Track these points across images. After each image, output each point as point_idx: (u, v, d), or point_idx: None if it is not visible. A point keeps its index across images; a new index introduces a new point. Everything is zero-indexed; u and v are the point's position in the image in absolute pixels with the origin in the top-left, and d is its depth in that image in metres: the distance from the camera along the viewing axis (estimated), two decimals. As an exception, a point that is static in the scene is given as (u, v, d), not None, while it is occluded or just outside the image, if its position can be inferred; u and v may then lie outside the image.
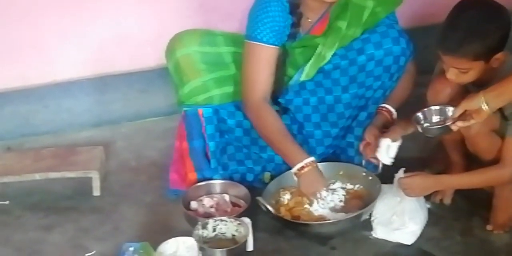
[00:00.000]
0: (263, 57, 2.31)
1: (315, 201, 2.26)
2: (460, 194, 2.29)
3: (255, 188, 2.36)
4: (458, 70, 2.03)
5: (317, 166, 2.27)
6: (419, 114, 2.14)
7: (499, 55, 2.01)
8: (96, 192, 2.46)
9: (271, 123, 2.33)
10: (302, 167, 2.24)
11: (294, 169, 2.25)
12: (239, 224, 2.13)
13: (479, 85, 2.11)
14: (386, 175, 2.26)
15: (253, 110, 2.35)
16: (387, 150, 2.22)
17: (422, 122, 2.13)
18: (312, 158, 2.26)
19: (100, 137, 2.82)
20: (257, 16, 2.30)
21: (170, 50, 2.47)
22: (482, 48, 1.98)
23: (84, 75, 2.84)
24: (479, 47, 1.97)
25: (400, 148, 2.26)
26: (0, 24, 2.68)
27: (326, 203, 2.27)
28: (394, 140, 2.22)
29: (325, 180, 2.29)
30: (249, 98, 2.35)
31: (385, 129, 2.33)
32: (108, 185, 2.51)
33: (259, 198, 2.23)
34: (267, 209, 2.20)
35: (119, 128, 2.89)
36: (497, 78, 2.05)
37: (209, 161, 2.42)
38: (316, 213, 2.25)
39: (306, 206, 2.27)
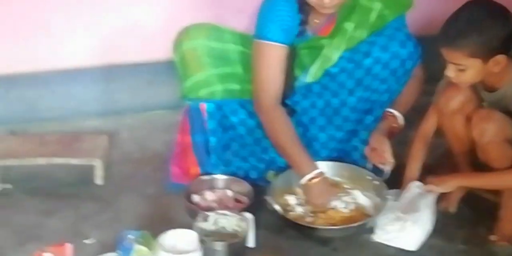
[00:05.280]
0: (274, 56, 2.29)
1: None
2: (465, 202, 2.29)
3: (259, 186, 2.35)
4: (456, 67, 2.02)
5: (326, 178, 2.26)
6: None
7: (499, 58, 1.98)
8: (98, 180, 2.44)
9: (284, 127, 2.30)
10: (312, 179, 2.23)
11: (304, 180, 2.23)
12: (240, 219, 2.11)
13: (490, 90, 2.11)
14: (391, 180, 2.27)
15: (265, 112, 2.31)
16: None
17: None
18: (321, 170, 2.25)
19: (105, 126, 2.80)
20: (266, 15, 2.29)
21: (177, 42, 2.45)
22: (479, 43, 1.95)
23: (92, 63, 2.82)
24: (476, 41, 1.95)
25: (406, 155, 2.29)
26: (12, 10, 2.67)
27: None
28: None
29: (335, 190, 2.29)
30: (262, 99, 2.31)
31: (390, 134, 2.33)
32: (110, 174, 2.50)
33: (268, 198, 2.20)
34: (275, 209, 2.18)
35: (124, 118, 2.87)
36: (506, 85, 2.05)
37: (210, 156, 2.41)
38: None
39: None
